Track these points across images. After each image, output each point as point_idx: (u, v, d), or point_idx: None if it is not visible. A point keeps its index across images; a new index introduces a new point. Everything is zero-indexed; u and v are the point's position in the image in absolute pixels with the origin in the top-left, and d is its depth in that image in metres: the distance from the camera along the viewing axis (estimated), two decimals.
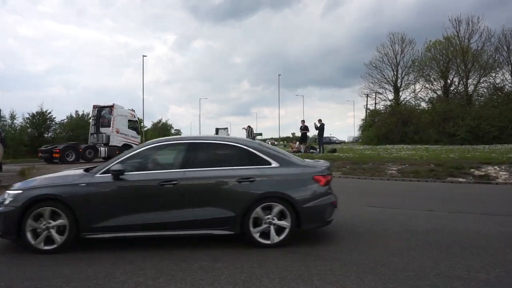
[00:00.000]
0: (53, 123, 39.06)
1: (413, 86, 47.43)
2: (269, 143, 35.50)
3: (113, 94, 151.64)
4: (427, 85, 45.13)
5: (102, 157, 24.44)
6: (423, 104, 45.51)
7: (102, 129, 25.54)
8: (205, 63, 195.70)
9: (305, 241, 5.45)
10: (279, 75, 58.32)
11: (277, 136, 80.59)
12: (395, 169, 14.38)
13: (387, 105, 48.16)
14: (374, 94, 51.08)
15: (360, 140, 52.60)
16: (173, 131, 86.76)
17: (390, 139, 39.73)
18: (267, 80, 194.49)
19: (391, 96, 48.69)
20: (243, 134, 34.08)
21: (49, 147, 24.29)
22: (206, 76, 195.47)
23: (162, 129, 76.89)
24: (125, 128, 26.14)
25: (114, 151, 24.43)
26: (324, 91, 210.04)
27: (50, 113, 38.09)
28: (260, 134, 37.59)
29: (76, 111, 42.79)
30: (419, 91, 46.76)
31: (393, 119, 41.47)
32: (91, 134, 25.84)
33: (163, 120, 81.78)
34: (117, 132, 25.55)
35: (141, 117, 53.60)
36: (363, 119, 51.55)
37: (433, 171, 13.60)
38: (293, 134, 41.23)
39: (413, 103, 46.83)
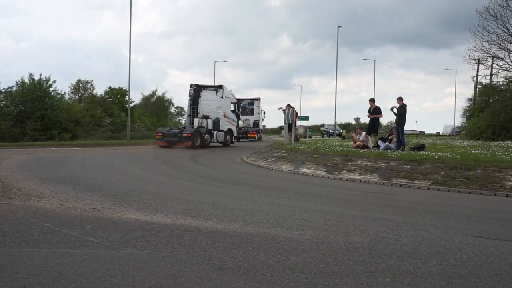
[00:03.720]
0: None
1: None
2: (298, 131, 27.80)
3: (85, 50, 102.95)
4: None
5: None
6: None
7: (248, 117, 36.94)
8: (225, 6, 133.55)
9: None
10: (338, 27, 44.18)
11: (331, 122, 52.03)
12: None
13: (511, 77, 30.85)
14: (490, 59, 32.37)
15: (463, 132, 37.66)
16: (173, 109, 63.46)
17: None
18: (319, 34, 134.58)
19: None
20: (280, 117, 27.36)
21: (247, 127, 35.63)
22: (225, 27, 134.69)
23: (157, 106, 56.33)
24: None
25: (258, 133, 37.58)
26: (409, 53, 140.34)
27: None
28: (306, 119, 30.88)
29: (31, 75, 30.91)
30: None
31: None
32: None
33: (159, 93, 58.98)
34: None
35: (126, 88, 42.07)
36: (470, 99, 37.88)
37: None
38: (357, 119, 33.19)
39: None
